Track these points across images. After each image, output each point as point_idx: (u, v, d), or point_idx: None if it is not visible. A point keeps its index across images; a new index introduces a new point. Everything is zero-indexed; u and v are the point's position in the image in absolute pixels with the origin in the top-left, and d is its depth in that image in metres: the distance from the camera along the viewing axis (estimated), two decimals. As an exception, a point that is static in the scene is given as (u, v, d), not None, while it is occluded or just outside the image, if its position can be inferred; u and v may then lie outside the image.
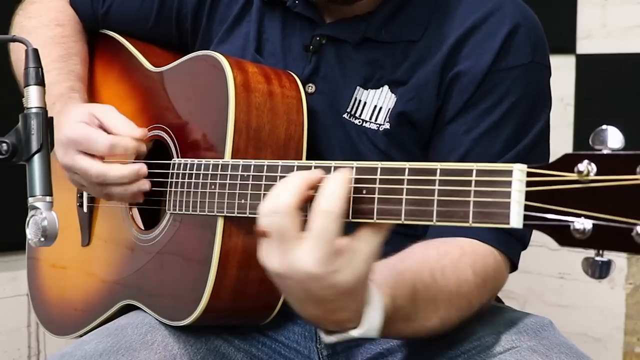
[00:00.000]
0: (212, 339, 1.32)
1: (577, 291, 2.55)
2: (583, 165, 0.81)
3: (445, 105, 1.31)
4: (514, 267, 1.30)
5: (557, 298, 2.59)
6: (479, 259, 1.21)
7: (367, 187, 0.97)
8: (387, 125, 1.32)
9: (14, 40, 1.17)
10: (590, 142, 0.83)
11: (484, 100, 1.29)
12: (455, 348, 1.22)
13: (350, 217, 0.97)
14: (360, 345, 1.37)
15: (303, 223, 0.96)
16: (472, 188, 0.89)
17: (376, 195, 0.96)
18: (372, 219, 0.96)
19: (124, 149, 1.30)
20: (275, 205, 0.96)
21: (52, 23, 1.53)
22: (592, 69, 2.50)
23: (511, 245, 1.27)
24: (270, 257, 0.98)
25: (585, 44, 2.50)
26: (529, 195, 0.85)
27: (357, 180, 0.98)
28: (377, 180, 0.96)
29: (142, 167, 1.31)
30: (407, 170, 0.94)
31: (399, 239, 1.25)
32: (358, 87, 1.34)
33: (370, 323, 1.02)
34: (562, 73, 2.49)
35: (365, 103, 1.33)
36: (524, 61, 1.30)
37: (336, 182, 0.96)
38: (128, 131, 1.31)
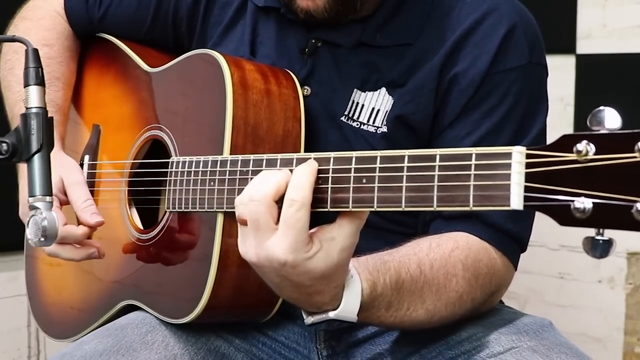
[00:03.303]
0: (213, 339, 1.32)
1: (577, 291, 2.55)
2: (582, 145, 0.82)
3: (444, 108, 1.31)
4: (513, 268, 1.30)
5: (557, 298, 2.58)
6: (472, 254, 1.22)
7: (367, 176, 0.97)
8: (385, 129, 1.32)
9: (14, 40, 1.18)
10: (587, 123, 0.83)
11: (484, 103, 1.29)
12: (456, 348, 1.22)
13: (351, 207, 0.99)
14: (360, 346, 1.37)
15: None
16: (472, 172, 0.90)
17: (376, 184, 0.97)
18: (373, 207, 0.97)
19: (73, 240, 1.35)
20: (253, 193, 1.00)
21: (39, 43, 1.51)
22: (592, 69, 2.50)
23: (508, 244, 1.27)
24: (245, 245, 1.02)
25: (585, 44, 2.50)
26: (528, 177, 0.86)
27: (357, 170, 0.98)
28: (377, 169, 0.97)
29: (94, 253, 1.37)
30: (406, 158, 0.95)
31: (396, 237, 1.26)
32: (355, 90, 1.34)
33: (347, 306, 1.06)
34: (562, 73, 2.49)
35: (362, 105, 1.33)
36: (522, 62, 1.30)
37: (302, 173, 0.99)
38: (85, 218, 1.36)
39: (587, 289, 2.52)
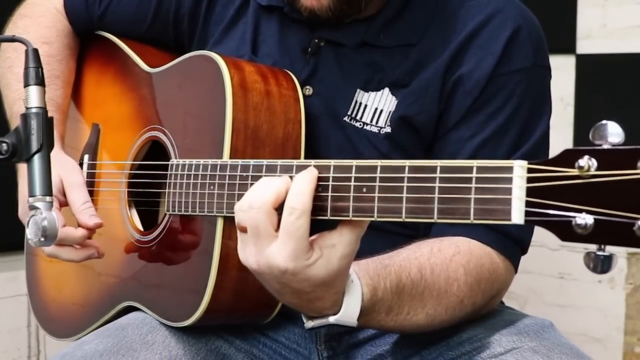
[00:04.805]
0: (213, 340, 1.32)
1: (577, 291, 2.55)
2: (584, 161, 0.81)
3: (449, 109, 1.31)
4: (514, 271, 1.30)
5: (557, 298, 2.59)
6: (474, 259, 1.22)
7: (367, 185, 0.97)
8: (389, 129, 1.32)
9: (14, 40, 1.18)
10: (590, 137, 0.83)
11: (489, 104, 1.29)
12: (456, 349, 1.22)
13: (351, 216, 0.98)
14: (361, 347, 1.37)
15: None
16: (473, 185, 0.89)
17: (376, 194, 0.96)
18: (373, 217, 0.97)
19: (72, 242, 1.34)
20: (252, 200, 1.00)
21: (38, 41, 1.51)
22: (592, 69, 2.50)
23: (510, 247, 1.27)
24: (245, 252, 1.02)
25: (585, 44, 2.50)
26: (530, 192, 0.85)
27: (357, 179, 0.98)
28: (377, 179, 0.96)
29: (93, 254, 1.36)
30: (407, 168, 0.95)
31: (398, 239, 1.26)
32: (358, 90, 1.33)
33: (348, 311, 1.06)
34: (562, 73, 2.49)
35: (366, 106, 1.33)
36: (526, 64, 1.30)
37: (302, 180, 0.99)
38: (84, 220, 1.35)
39: (587, 289, 2.52)
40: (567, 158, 0.83)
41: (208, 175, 1.21)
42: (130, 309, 1.37)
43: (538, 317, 1.28)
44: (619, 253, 2.42)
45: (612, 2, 2.46)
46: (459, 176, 0.91)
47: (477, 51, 1.30)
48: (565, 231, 0.82)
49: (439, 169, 0.92)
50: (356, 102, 1.33)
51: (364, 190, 0.97)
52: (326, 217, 1.00)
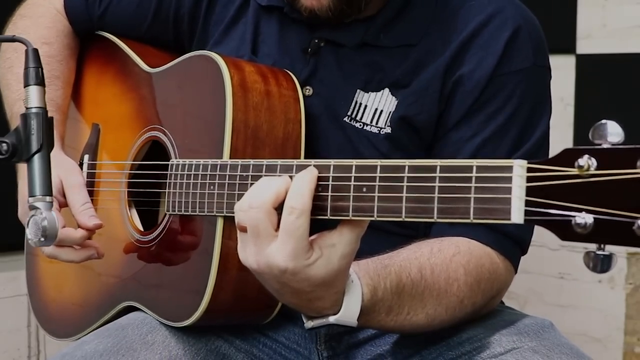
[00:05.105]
0: (213, 340, 1.32)
1: (577, 291, 2.55)
2: (583, 160, 0.81)
3: (449, 109, 1.31)
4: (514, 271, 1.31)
5: (557, 298, 2.58)
6: (473, 259, 1.22)
7: (367, 185, 0.97)
8: (389, 130, 1.32)
9: (14, 40, 1.18)
10: (590, 137, 0.83)
11: (489, 105, 1.29)
12: (456, 349, 1.22)
13: (351, 215, 0.98)
14: (361, 347, 1.37)
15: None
16: (473, 184, 0.89)
17: (376, 194, 0.96)
18: (373, 216, 0.97)
19: (71, 243, 1.34)
20: (252, 200, 1.00)
21: (38, 41, 1.51)
22: (592, 69, 2.50)
23: (509, 247, 1.27)
24: (245, 251, 1.02)
25: (585, 44, 2.50)
26: (529, 191, 0.85)
27: (357, 179, 0.98)
28: (377, 178, 0.96)
29: (93, 255, 1.35)
30: (407, 168, 0.95)
31: (398, 239, 1.26)
32: (358, 90, 1.33)
33: (348, 311, 1.06)
34: (562, 73, 2.49)
35: (366, 106, 1.33)
36: (526, 64, 1.30)
37: (302, 180, 0.99)
38: (84, 221, 1.34)
39: (587, 289, 2.52)
40: (567, 157, 0.83)
41: (208, 175, 1.21)
42: (130, 309, 1.37)
43: (538, 317, 1.28)
44: (619, 253, 2.42)
45: (612, 2, 2.46)
46: (459, 176, 0.91)
47: (477, 51, 1.30)
48: (565, 230, 0.82)
49: (438, 168, 0.92)
50: (356, 102, 1.34)
51: (364, 189, 0.97)
52: (326, 217, 1.00)
